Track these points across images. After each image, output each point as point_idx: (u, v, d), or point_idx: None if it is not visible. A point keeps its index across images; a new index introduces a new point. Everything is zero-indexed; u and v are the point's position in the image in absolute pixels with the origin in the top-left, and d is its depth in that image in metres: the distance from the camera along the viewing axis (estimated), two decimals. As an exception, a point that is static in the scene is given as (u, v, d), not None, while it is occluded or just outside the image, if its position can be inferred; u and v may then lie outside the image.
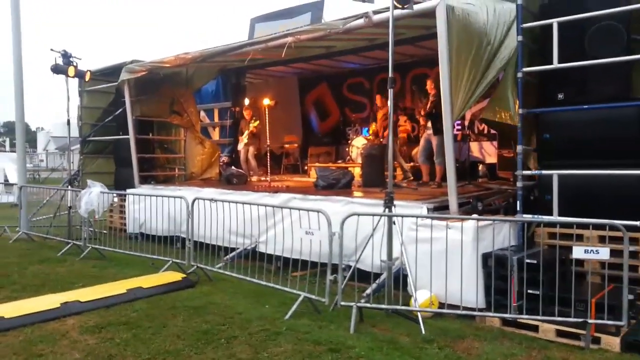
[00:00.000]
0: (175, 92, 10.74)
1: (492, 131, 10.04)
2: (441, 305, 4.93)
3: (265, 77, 13.01)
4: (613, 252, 4.26)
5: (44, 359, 3.94)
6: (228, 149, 12.54)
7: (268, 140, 9.42)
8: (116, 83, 9.93)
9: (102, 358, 3.94)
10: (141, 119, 10.35)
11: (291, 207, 6.04)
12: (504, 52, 5.80)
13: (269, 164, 9.53)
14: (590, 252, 4.26)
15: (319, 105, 13.04)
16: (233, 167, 10.51)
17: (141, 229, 8.73)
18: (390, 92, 4.94)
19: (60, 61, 9.09)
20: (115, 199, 9.53)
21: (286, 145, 12.92)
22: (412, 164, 10.15)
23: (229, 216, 6.21)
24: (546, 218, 5.19)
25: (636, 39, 5.28)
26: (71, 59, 9.15)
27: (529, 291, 4.55)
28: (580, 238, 4.89)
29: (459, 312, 4.68)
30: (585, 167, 5.11)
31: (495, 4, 5.92)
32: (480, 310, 4.83)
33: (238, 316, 4.83)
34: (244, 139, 11.02)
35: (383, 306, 4.86)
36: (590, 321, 4.21)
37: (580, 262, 4.86)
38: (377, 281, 5.22)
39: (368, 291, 5.14)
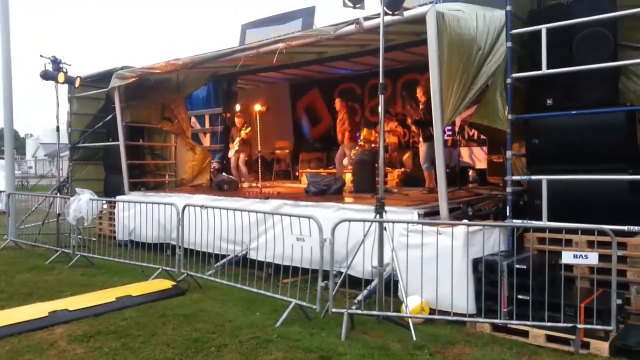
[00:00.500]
0: (166, 98, 10.71)
1: (482, 137, 10.10)
2: (432, 311, 4.93)
3: (257, 83, 13.01)
4: (602, 257, 4.28)
5: (31, 369, 3.89)
6: (219, 155, 12.50)
7: (259, 146, 9.40)
8: (106, 89, 9.88)
9: (90, 368, 3.90)
10: (131, 125, 10.29)
11: (282, 214, 6.02)
12: (493, 59, 5.83)
13: (259, 170, 9.50)
14: (579, 257, 4.28)
15: (310, 111, 13.06)
16: (224, 174, 10.48)
17: (131, 236, 8.67)
18: (381, 98, 4.95)
19: (49, 67, 9.04)
20: (105, 206, 9.46)
21: (277, 151, 12.91)
22: (403, 169, 10.19)
23: (219, 223, 6.18)
24: (535, 223, 5.22)
25: (623, 45, 5.35)
26: (61, 65, 9.10)
27: (519, 296, 4.56)
28: (569, 243, 4.91)
29: (449, 317, 4.68)
30: (574, 172, 5.14)
31: (485, 10, 5.97)
32: (471, 315, 4.84)
33: (228, 324, 4.80)
34: (234, 146, 11.00)
35: (374, 312, 4.85)
36: (579, 326, 4.23)
37: (569, 267, 4.89)
38: (368, 287, 5.21)
39: (359, 297, 5.14)
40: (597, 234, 4.37)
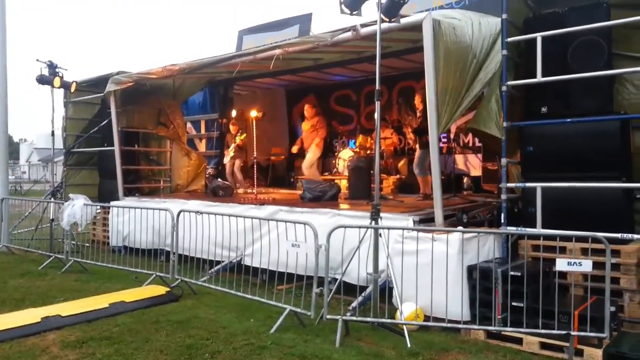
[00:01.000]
0: (162, 103, 10.69)
1: (477, 144, 10.15)
2: (426, 318, 4.93)
3: (253, 89, 13.02)
4: (595, 265, 4.29)
5: (22, 376, 3.85)
6: (214, 161, 12.48)
7: (255, 152, 9.39)
8: (102, 94, 9.85)
9: (82, 374, 3.86)
10: (127, 130, 10.26)
11: (278, 220, 6.01)
12: (489, 66, 5.87)
13: (255, 176, 9.49)
14: (573, 265, 4.29)
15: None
16: (219, 179, 10.45)
17: (125, 241, 8.62)
18: (378, 104, 4.97)
19: (45, 72, 9.02)
20: (99, 211, 9.42)
21: (273, 158, 12.89)
22: (398, 176, 10.20)
23: (214, 229, 6.16)
24: (530, 230, 5.23)
25: (617, 54, 5.40)
26: (57, 70, 9.08)
27: (514, 303, 4.57)
28: (563, 250, 4.93)
29: (444, 324, 4.67)
30: (568, 179, 5.16)
31: (481, 18, 6.01)
32: (465, 322, 4.83)
33: (222, 330, 4.77)
34: (230, 152, 10.99)
35: (369, 319, 4.84)
36: (573, 333, 4.23)
37: (563, 274, 4.90)
38: (363, 294, 5.20)
39: (354, 304, 5.12)
40: (591, 241, 4.38)
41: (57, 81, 9.03)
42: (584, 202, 5.23)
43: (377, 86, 4.93)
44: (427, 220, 5.95)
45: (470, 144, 10.44)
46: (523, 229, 5.34)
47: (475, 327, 4.65)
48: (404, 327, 4.64)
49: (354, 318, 4.79)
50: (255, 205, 7.57)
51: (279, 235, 5.75)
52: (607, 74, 5.19)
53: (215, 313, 5.33)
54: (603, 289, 4.25)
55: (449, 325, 4.65)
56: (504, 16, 5.40)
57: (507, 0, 5.33)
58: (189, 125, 12.87)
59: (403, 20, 5.30)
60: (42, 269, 7.58)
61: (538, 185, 5.25)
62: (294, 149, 9.81)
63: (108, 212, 9.37)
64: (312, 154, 9.46)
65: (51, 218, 8.78)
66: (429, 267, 4.70)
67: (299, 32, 9.72)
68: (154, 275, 6.47)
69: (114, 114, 9.60)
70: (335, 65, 9.96)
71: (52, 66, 9.02)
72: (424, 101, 8.20)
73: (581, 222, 4.84)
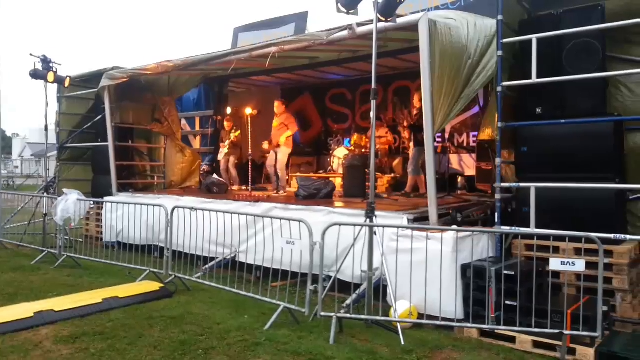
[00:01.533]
0: (157, 99, 10.65)
1: (472, 144, 10.20)
2: (420, 316, 4.95)
3: (248, 87, 13.00)
4: (588, 265, 4.33)
5: (15, 370, 3.83)
6: (209, 158, 12.45)
7: (250, 150, 9.37)
8: (96, 89, 9.80)
9: (75, 369, 3.85)
10: (121, 126, 10.22)
11: (272, 217, 6.01)
12: (485, 68, 5.90)
13: (250, 174, 9.48)
14: (566, 264, 4.33)
15: (301, 116, 13.04)
16: (214, 176, 10.42)
17: (118, 237, 8.58)
18: (373, 103, 4.99)
19: (39, 66, 8.96)
20: (92, 207, 9.37)
21: (267, 155, 12.87)
22: (393, 175, 10.23)
23: (209, 225, 6.15)
24: (524, 230, 5.27)
25: (611, 56, 5.45)
26: (51, 65, 9.03)
27: (507, 302, 4.60)
28: (556, 250, 4.97)
29: (437, 322, 4.70)
30: (562, 180, 5.21)
31: (476, 19, 6.03)
32: (459, 321, 4.86)
33: (216, 326, 4.77)
34: (224, 149, 10.96)
35: (363, 317, 4.85)
36: (566, 332, 4.27)
37: (556, 274, 4.94)
38: (357, 292, 5.22)
39: (348, 302, 5.13)
40: (585, 241, 4.42)
41: (50, 76, 8.98)
42: (578, 203, 5.28)
43: (374, 85, 4.95)
44: (421, 219, 5.98)
45: (465, 144, 10.49)
46: (517, 228, 5.38)
47: (469, 325, 4.68)
48: (398, 324, 4.67)
49: (348, 315, 4.80)
50: (250, 202, 7.56)
51: (273, 232, 5.73)
52: (601, 76, 5.24)
53: (209, 309, 5.33)
54: (596, 289, 4.30)
55: (443, 323, 4.68)
56: (500, 17, 5.42)
57: (503, 2, 5.36)
58: (183, 121, 12.81)
59: (399, 20, 5.31)
60: (35, 263, 7.55)
61: (532, 185, 5.28)
62: (265, 145, 9.61)
63: (101, 208, 9.32)
64: (283, 154, 9.34)
65: (44, 213, 8.73)
66: (423, 266, 4.72)
67: (295, 31, 9.71)
68: (148, 271, 6.46)
69: (108, 110, 9.56)
70: (330, 64, 9.97)
71: (46, 61, 8.96)
72: (422, 100, 8.24)
73: (574, 223, 4.89)
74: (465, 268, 4.97)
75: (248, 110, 9.69)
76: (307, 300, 4.80)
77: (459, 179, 9.82)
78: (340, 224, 5.04)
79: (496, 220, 5.55)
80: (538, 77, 5.20)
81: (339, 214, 6.38)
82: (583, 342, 4.31)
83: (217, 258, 6.86)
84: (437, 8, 7.83)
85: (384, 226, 5.21)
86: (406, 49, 8.00)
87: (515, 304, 4.53)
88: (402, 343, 4.45)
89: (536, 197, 5.25)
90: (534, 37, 5.18)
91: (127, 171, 10.51)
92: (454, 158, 10.41)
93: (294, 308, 4.90)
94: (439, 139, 10.22)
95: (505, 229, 5.42)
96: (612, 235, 4.81)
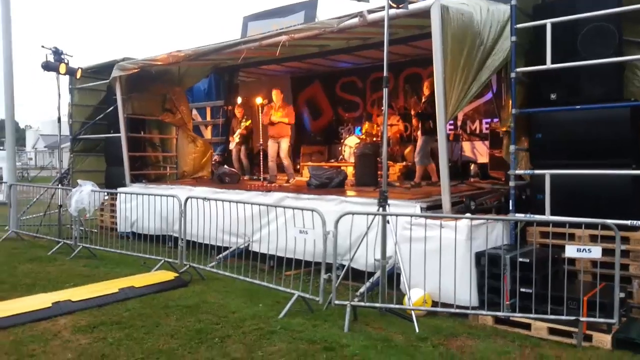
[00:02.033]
0: (168, 89, 10.68)
1: (484, 131, 10.11)
2: (434, 303, 4.95)
3: (258, 76, 12.97)
4: (604, 251, 4.29)
5: (36, 359, 3.89)
6: (220, 148, 12.49)
7: (261, 139, 9.38)
8: (107, 81, 9.85)
9: (94, 358, 3.90)
10: (132, 117, 10.26)
11: (285, 206, 6.03)
12: (497, 53, 5.82)
13: (261, 163, 9.49)
14: (582, 251, 4.29)
15: (311, 104, 13.03)
16: (225, 166, 10.47)
17: (132, 227, 8.68)
18: (385, 91, 4.95)
19: (51, 58, 9.01)
20: (106, 198, 9.47)
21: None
22: (404, 163, 10.19)
23: (222, 215, 6.18)
24: (539, 217, 5.23)
25: (628, 40, 5.34)
26: (62, 56, 9.07)
27: (522, 289, 4.58)
28: (571, 237, 4.93)
29: (452, 310, 4.70)
30: (576, 166, 5.15)
31: (489, 4, 5.94)
32: (474, 308, 4.86)
33: (231, 315, 4.82)
34: (235, 139, 10.98)
35: (377, 305, 4.87)
36: (582, 319, 4.25)
37: (571, 261, 4.91)
38: (370, 280, 5.23)
39: (362, 290, 5.15)
40: (601, 228, 4.38)
41: (62, 67, 9.02)
42: (593, 189, 5.22)
43: (385, 73, 4.90)
44: (434, 207, 5.96)
45: (477, 131, 10.39)
46: (532, 215, 5.34)
47: (484, 312, 4.68)
48: (412, 312, 4.67)
49: (362, 304, 4.81)
50: (262, 191, 7.58)
51: (286, 221, 5.76)
52: (617, 61, 5.14)
53: (224, 298, 5.38)
54: (611, 276, 4.26)
55: (458, 310, 4.68)
56: (513, 2, 5.34)
57: (517, -14, 5.27)
58: (194, 112, 12.86)
59: (411, 6, 5.25)
60: (51, 254, 7.66)
61: (547, 172, 5.23)
62: (270, 142, 9.51)
63: (115, 199, 9.41)
64: (286, 144, 9.41)
65: (59, 204, 8.83)
66: (436, 254, 4.71)
67: (305, 19, 9.65)
68: (163, 260, 6.53)
69: (119, 101, 9.61)
70: (341, 52, 9.91)
71: (57, 52, 9.00)
72: (430, 87, 8.17)
73: (589, 209, 4.84)
74: (479, 256, 4.95)
75: (259, 100, 9.68)
76: (321, 289, 4.82)
77: (472, 166, 9.77)
78: (353, 213, 5.03)
79: (510, 208, 5.52)
80: (553, 62, 5.12)
81: (352, 203, 6.38)
82: (600, 328, 4.29)
83: (231, 247, 6.92)
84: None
85: (397, 215, 5.20)
86: (417, 35, 7.92)
87: (530, 291, 4.51)
88: (417, 330, 4.46)
89: (551, 184, 5.20)
90: (548, 22, 5.09)
91: (139, 162, 10.58)
92: (466, 145, 10.34)
93: (308, 297, 4.93)
94: (451, 127, 10.16)
95: (520, 216, 5.39)
96: (628, 222, 4.75)
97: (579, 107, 5.25)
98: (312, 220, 4.99)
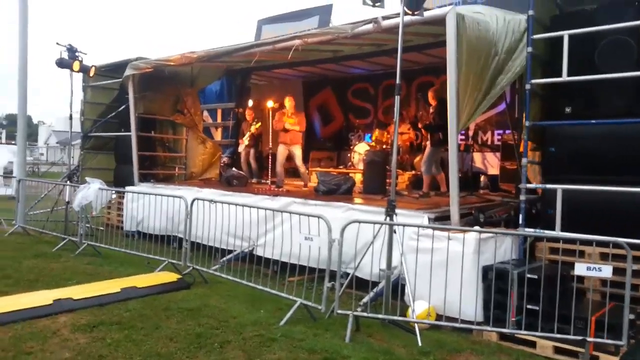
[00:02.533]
0: (180, 90, 10.70)
1: (496, 142, 9.98)
2: (439, 317, 4.85)
3: (270, 79, 12.97)
4: (614, 270, 4.18)
5: (33, 357, 3.85)
6: (229, 150, 12.48)
7: (270, 143, 9.35)
8: (120, 79, 9.90)
9: (92, 358, 3.86)
10: (144, 117, 10.29)
11: (291, 212, 5.96)
12: (513, 64, 5.74)
13: (269, 167, 9.46)
14: (592, 270, 4.18)
15: (322, 110, 12.98)
16: (234, 169, 10.44)
17: (138, 227, 8.67)
18: (397, 99, 4.89)
19: (65, 55, 9.06)
20: (114, 196, 9.48)
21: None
22: (413, 172, 10.10)
23: (227, 218, 6.14)
24: (549, 233, 5.12)
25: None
26: (76, 54, 9.12)
27: (529, 306, 4.48)
28: (582, 254, 4.82)
29: (456, 325, 4.60)
30: (589, 182, 5.04)
31: (505, 14, 5.87)
32: (479, 323, 4.76)
33: (232, 320, 4.75)
34: (245, 141, 10.96)
35: (380, 316, 4.78)
36: (589, 339, 4.14)
37: (580, 279, 4.79)
38: (374, 290, 5.15)
39: (365, 300, 5.07)
40: (612, 246, 4.27)
41: (76, 65, 9.07)
42: (605, 206, 5.10)
43: (398, 80, 4.84)
44: (442, 218, 5.87)
45: (489, 142, 10.28)
46: (542, 231, 5.23)
47: (489, 328, 4.59)
48: (416, 325, 4.58)
49: (365, 314, 4.73)
50: (269, 196, 7.54)
51: (292, 227, 5.70)
52: (636, 75, 5.03)
53: (225, 302, 5.32)
54: (620, 295, 4.16)
55: (462, 325, 4.58)
56: (530, 12, 5.27)
57: (534, -3, 5.20)
58: (205, 113, 12.87)
59: (426, 14, 5.20)
60: (56, 250, 7.66)
61: (559, 187, 5.13)
62: (281, 148, 9.59)
63: (123, 197, 9.42)
64: (299, 150, 9.43)
65: (67, 200, 8.85)
66: (443, 266, 4.62)
67: (319, 23, 9.63)
68: (166, 262, 6.49)
69: (131, 100, 9.64)
70: (354, 58, 9.87)
71: (71, 50, 9.05)
72: (437, 96, 8.08)
73: (600, 227, 4.71)
74: (486, 270, 4.85)
75: (270, 104, 9.66)
76: (324, 298, 4.74)
77: (482, 178, 9.65)
78: (359, 222, 4.96)
79: (520, 222, 5.41)
80: (569, 75, 5.03)
81: (359, 211, 6.31)
82: (607, 350, 4.18)
83: (235, 251, 6.87)
84: (464, 3, 7.65)
85: (404, 225, 5.11)
86: (431, 43, 7.85)
87: (537, 308, 4.41)
88: (420, 344, 4.37)
89: (562, 199, 5.09)
90: (565, 34, 5.01)
91: (149, 161, 10.60)
92: (477, 156, 10.22)
93: (310, 304, 4.85)
94: (462, 137, 10.04)
95: (530, 231, 5.28)
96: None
97: (594, 121, 5.15)
98: (318, 226, 4.93)
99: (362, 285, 5.25)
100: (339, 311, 4.65)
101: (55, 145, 46.43)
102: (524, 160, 5.38)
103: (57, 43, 9.00)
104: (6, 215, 9.97)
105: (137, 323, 4.57)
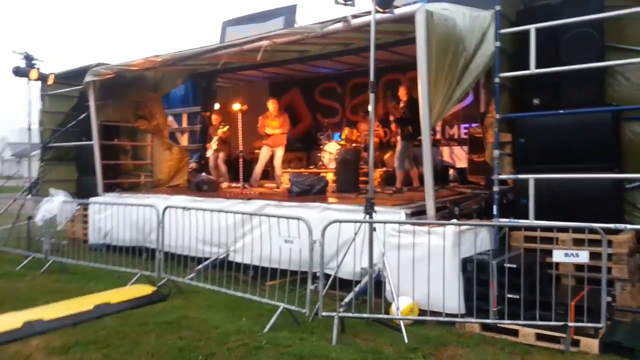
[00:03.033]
0: (143, 96, 10.39)
1: (463, 136, 10.15)
2: (423, 312, 4.87)
3: (236, 82, 12.78)
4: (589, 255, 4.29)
5: (7, 384, 3.66)
6: (197, 155, 12.22)
7: (240, 146, 9.21)
8: (80, 87, 9.53)
9: (70, 380, 3.69)
10: (106, 124, 9.94)
11: (269, 215, 5.88)
12: (479, 59, 5.82)
13: (240, 170, 9.31)
14: (570, 256, 4.28)
15: (290, 110, 12.86)
16: (203, 174, 10.23)
17: (105, 239, 8.35)
18: (372, 96, 4.87)
19: (22, 64, 8.68)
20: (77, 208, 9.11)
21: (257, 151, 12.68)
22: (384, 168, 10.16)
23: (201, 224, 5.99)
24: (526, 222, 5.22)
25: (610, 46, 5.40)
26: (33, 62, 8.74)
27: (509, 295, 4.55)
28: (556, 241, 4.92)
29: (441, 319, 4.62)
30: (559, 171, 5.16)
31: (471, 11, 5.95)
32: (462, 316, 4.79)
33: (214, 331, 4.62)
34: (213, 145, 10.76)
35: (365, 315, 4.75)
36: (570, 324, 4.23)
37: (555, 265, 4.89)
38: (355, 289, 5.12)
39: (347, 299, 5.03)
40: (587, 232, 4.37)
41: (34, 73, 8.71)
42: (574, 193, 5.24)
43: (371, 78, 4.83)
44: (418, 213, 5.89)
45: (456, 136, 10.44)
46: (517, 220, 5.32)
47: (473, 320, 4.62)
48: (401, 322, 4.58)
49: (350, 315, 4.70)
50: (243, 199, 7.41)
51: (270, 229, 5.62)
52: (600, 66, 5.19)
53: (205, 312, 5.18)
54: (593, 279, 4.27)
55: (447, 319, 4.61)
56: (497, 7, 5.35)
57: (500, -8, 5.28)
58: (170, 118, 12.55)
59: (396, 11, 5.20)
60: (20, 269, 7.30)
61: (531, 176, 5.22)
62: (265, 148, 9.64)
63: (87, 209, 9.07)
64: (281, 152, 9.49)
65: (29, 216, 8.45)
66: (422, 261, 4.63)
67: (284, 24, 9.54)
68: (139, 274, 6.27)
69: (92, 107, 9.29)
70: (320, 58, 9.82)
71: (28, 58, 8.67)
72: (408, 93, 8.15)
73: (571, 213, 4.85)
74: (466, 262, 4.89)
75: (236, 106, 9.50)
76: (308, 300, 4.68)
77: (451, 171, 9.79)
78: (341, 221, 4.92)
79: (494, 213, 5.49)
80: (536, 68, 5.13)
81: (335, 210, 6.25)
82: (587, 333, 4.28)
83: (210, 258, 6.71)
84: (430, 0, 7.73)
85: (385, 222, 5.11)
86: (398, 41, 7.88)
87: (517, 297, 4.47)
88: (406, 341, 4.36)
89: (534, 188, 5.19)
90: (532, 27, 5.11)
91: (113, 170, 10.25)
92: (445, 150, 10.37)
93: (293, 309, 4.78)
94: (431, 131, 10.15)
95: (505, 221, 5.36)
96: (612, 225, 4.77)
97: (562, 111, 5.28)
98: (298, 228, 4.86)
99: (342, 284, 5.21)
100: (324, 313, 4.59)
101: (11, 158, 44.58)
102: (495, 152, 5.46)
103: (14, 51, 8.63)
104: (-38, 235, 9.46)
105: (114, 341, 4.39)
